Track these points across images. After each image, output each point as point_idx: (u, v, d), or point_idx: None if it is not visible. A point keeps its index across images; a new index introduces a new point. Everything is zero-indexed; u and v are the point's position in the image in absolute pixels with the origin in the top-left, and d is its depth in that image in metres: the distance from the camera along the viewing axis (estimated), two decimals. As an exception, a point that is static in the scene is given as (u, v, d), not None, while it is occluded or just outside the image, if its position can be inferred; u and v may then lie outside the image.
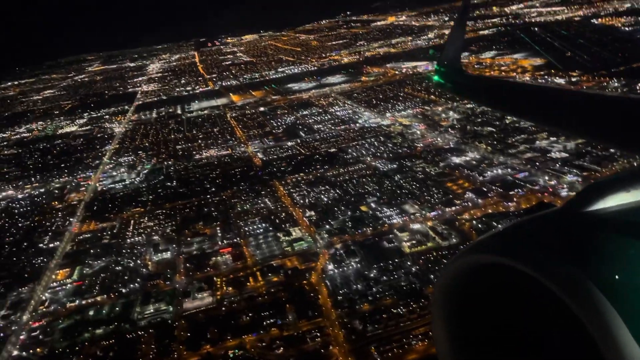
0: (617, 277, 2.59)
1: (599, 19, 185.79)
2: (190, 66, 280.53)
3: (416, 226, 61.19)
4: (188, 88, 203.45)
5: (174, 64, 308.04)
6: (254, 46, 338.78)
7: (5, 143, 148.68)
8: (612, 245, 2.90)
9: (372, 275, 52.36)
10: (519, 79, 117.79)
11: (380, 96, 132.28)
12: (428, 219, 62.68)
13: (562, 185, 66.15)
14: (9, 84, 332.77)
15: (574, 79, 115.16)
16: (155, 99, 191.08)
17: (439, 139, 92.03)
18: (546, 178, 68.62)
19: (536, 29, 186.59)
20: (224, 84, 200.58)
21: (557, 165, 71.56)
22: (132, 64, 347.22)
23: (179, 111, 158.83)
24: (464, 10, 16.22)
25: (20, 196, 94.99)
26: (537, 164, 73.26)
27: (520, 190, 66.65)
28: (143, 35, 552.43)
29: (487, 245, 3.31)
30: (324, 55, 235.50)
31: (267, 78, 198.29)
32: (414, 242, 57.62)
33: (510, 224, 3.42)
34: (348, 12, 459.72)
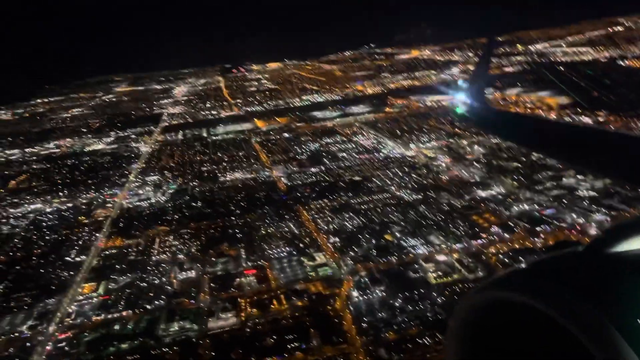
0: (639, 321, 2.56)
1: (626, 61, 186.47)
2: (215, 91, 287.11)
3: (442, 257, 61.30)
4: (213, 112, 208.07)
5: (200, 88, 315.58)
6: (278, 74, 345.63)
7: (34, 158, 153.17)
8: (636, 288, 2.87)
9: (397, 304, 52.45)
10: (545, 116, 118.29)
11: (405, 127, 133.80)
12: (454, 251, 62.79)
13: (590, 223, 65.85)
14: (39, 100, 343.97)
15: (600, 119, 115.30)
16: (181, 121, 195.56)
17: (464, 172, 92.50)
18: (574, 216, 68.41)
19: (561, 68, 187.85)
20: (249, 109, 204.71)
21: (585, 203, 71.39)
22: (158, 87, 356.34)
23: (204, 134, 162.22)
24: (490, 45, 16.65)
25: (48, 210, 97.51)
26: (565, 201, 73.17)
27: (547, 226, 66.50)
28: (170, 59, 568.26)
29: (507, 282, 3.39)
30: (347, 85, 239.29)
31: (291, 105, 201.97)
32: (439, 273, 57.71)
33: (531, 262, 3.49)
34: (371, 44, 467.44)
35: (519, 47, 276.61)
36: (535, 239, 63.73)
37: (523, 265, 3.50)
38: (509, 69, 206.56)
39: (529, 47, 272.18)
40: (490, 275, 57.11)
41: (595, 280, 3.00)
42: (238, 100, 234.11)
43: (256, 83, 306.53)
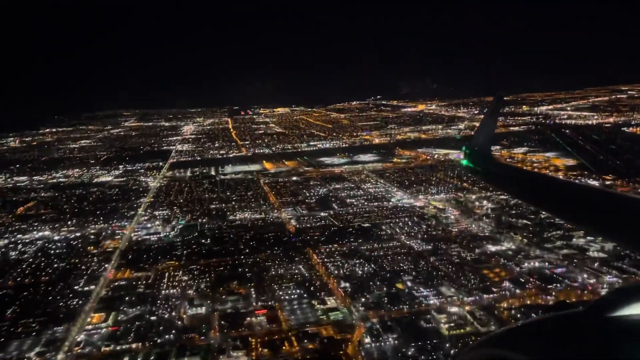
0: None
1: (630, 128, 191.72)
2: (223, 131, 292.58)
3: (454, 309, 61.81)
4: (222, 151, 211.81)
5: (208, 127, 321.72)
6: (285, 118, 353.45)
7: (42, 186, 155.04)
8: (634, 353, 2.78)
9: (410, 353, 52.66)
10: (553, 175, 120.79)
11: (413, 178, 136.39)
12: (465, 304, 63.34)
13: (601, 284, 66.71)
14: (47, 130, 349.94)
15: (607, 182, 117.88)
16: (190, 158, 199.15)
17: (473, 226, 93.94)
18: (585, 276, 69.32)
19: (567, 130, 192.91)
20: (257, 151, 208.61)
21: (596, 264, 72.46)
22: (166, 124, 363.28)
23: (212, 172, 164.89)
24: (498, 100, 16.16)
25: (56, 237, 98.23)
26: (575, 261, 74.25)
27: (558, 285, 67.30)
28: (178, 98, 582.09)
29: (503, 340, 3.39)
30: (354, 133, 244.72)
31: (299, 150, 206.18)
32: (452, 324, 58.10)
33: (529, 320, 3.55)
34: (378, 96, 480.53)
35: (524, 107, 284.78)
36: (548, 296, 64.40)
37: (519, 324, 3.56)
38: (515, 128, 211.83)
39: (534, 108, 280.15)
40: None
41: (594, 344, 2.95)
42: (246, 142, 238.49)
43: (264, 126, 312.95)
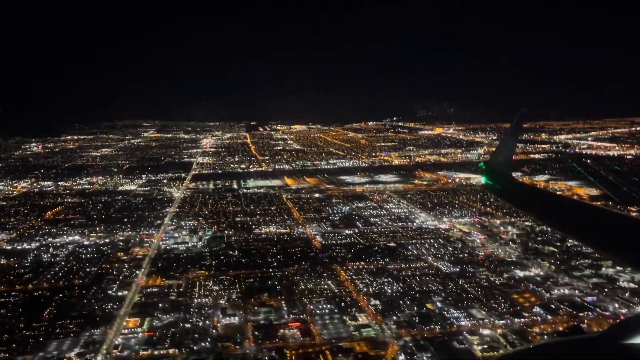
0: None
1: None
2: (242, 146, 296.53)
3: (486, 331, 62.14)
4: (242, 166, 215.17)
5: (227, 142, 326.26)
6: (303, 136, 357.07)
7: (68, 192, 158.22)
8: None
9: (445, 372, 53.06)
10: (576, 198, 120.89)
11: (435, 200, 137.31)
12: (497, 327, 63.63)
13: (633, 315, 66.67)
14: (69, 137, 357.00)
15: (633, 214, 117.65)
16: (211, 171, 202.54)
17: (500, 251, 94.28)
18: (616, 305, 69.32)
19: (588, 160, 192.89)
20: (276, 167, 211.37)
21: (627, 294, 72.40)
22: (186, 136, 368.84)
23: (235, 186, 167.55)
24: (520, 118, 15.08)
25: (86, 242, 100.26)
26: (605, 290, 74.26)
27: (590, 313, 67.37)
28: (197, 111, 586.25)
29: None
30: (373, 154, 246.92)
31: (318, 167, 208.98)
32: (485, 346, 58.45)
33: (541, 343, 4.10)
34: (395, 118, 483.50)
35: (543, 135, 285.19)
36: (581, 324, 64.47)
37: (534, 345, 4.00)
38: (536, 156, 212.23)
39: (553, 137, 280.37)
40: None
41: None
42: (265, 157, 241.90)
43: (282, 143, 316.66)
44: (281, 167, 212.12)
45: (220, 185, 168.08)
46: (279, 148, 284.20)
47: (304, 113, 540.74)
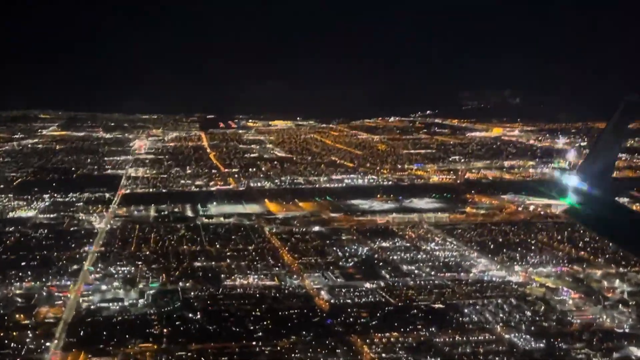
0: None
1: None
2: (196, 151, 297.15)
3: None
4: (198, 182, 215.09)
5: (172, 144, 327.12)
6: (290, 137, 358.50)
7: None
8: None
9: None
10: None
11: (500, 239, 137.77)
12: None
13: None
14: None
15: None
16: (150, 189, 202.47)
17: (605, 317, 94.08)
18: None
19: None
20: (252, 184, 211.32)
21: None
22: (107, 135, 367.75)
23: (189, 213, 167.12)
24: (625, 110, 15.26)
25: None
26: None
27: None
28: (123, 97, 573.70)
29: None
30: (398, 165, 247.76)
31: (317, 186, 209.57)
32: None
33: None
34: (428, 111, 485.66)
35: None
36: None
37: None
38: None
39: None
40: None
41: None
42: (234, 170, 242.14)
43: (257, 147, 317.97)
44: (259, 184, 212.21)
45: (166, 212, 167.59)
46: (253, 155, 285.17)
47: (290, 103, 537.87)
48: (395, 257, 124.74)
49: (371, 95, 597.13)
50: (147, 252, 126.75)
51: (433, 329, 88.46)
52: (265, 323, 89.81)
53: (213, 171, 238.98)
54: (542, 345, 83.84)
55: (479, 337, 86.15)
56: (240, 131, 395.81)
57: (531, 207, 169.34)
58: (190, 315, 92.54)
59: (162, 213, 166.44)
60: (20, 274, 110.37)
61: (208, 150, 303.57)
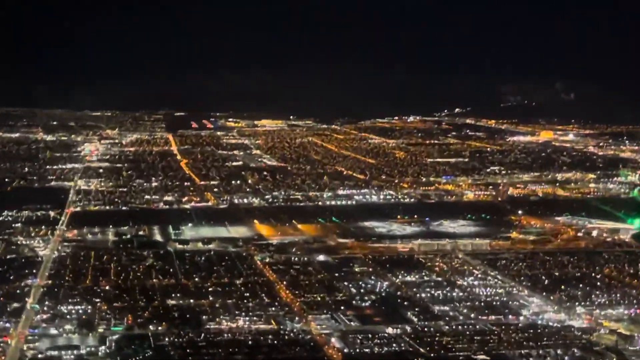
0: None
1: None
2: (164, 158, 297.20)
3: None
4: (168, 198, 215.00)
5: (132, 149, 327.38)
6: (282, 141, 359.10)
7: None
8: None
9: None
10: None
11: (556, 273, 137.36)
12: None
13: None
14: None
15: None
16: (108, 207, 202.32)
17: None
18: None
19: None
20: (235, 200, 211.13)
21: None
22: (48, 137, 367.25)
23: (158, 237, 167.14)
24: None
25: None
26: None
27: None
28: (68, 89, 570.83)
29: None
30: (423, 178, 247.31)
31: (319, 203, 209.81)
32: None
33: None
34: (457, 109, 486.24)
35: None
36: None
37: None
38: None
39: None
40: None
41: None
42: (212, 182, 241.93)
43: (241, 153, 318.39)
44: (245, 200, 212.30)
45: (129, 236, 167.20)
46: (236, 164, 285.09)
47: (281, 98, 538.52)
48: (423, 295, 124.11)
49: (384, 88, 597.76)
50: (107, 287, 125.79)
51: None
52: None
53: (186, 184, 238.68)
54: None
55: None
56: (219, 133, 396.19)
57: (594, 232, 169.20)
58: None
59: (124, 237, 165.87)
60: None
61: (178, 157, 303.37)
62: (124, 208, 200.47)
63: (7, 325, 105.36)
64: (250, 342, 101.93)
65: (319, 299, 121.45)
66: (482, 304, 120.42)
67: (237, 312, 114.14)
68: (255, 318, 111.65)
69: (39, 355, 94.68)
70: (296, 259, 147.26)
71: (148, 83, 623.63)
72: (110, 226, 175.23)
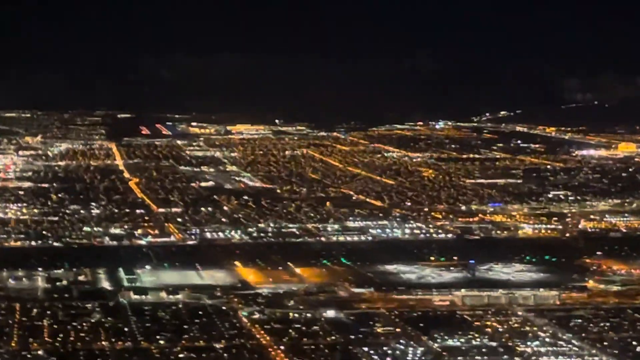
0: None
1: None
2: (105, 176, 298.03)
3: None
4: (115, 231, 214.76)
5: (62, 163, 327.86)
6: (265, 153, 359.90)
7: None
8: None
9: None
10: None
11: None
12: None
13: None
14: None
15: None
16: (33, 242, 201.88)
17: None
18: None
19: None
20: (208, 234, 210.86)
21: None
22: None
23: (104, 284, 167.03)
24: None
25: None
26: None
27: None
28: None
29: None
30: (461, 206, 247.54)
31: (322, 238, 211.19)
32: None
33: None
34: (502, 112, 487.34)
35: None
36: None
37: None
38: None
39: None
40: None
41: None
42: (173, 208, 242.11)
43: (212, 169, 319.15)
44: (220, 234, 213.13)
45: (66, 282, 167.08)
46: (205, 184, 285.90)
47: (263, 95, 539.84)
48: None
49: (403, 82, 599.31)
50: (40, 352, 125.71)
51: None
52: None
53: (139, 211, 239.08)
54: None
55: None
56: (179, 142, 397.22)
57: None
58: None
59: (59, 284, 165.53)
60: None
61: (126, 174, 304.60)
62: (56, 244, 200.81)
63: None
64: None
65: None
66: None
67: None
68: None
69: None
70: (296, 315, 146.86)
71: (80, 74, 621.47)
72: (40, 269, 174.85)
